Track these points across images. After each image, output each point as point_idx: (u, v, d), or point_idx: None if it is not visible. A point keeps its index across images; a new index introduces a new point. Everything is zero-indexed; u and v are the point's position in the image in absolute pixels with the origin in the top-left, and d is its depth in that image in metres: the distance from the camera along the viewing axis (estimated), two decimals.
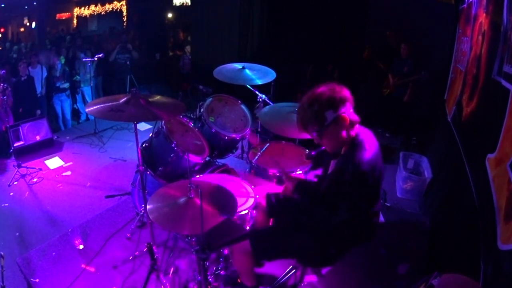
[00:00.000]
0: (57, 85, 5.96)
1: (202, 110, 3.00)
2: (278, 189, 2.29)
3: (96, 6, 9.87)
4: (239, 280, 2.17)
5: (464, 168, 2.56)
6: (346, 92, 1.63)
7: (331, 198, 1.65)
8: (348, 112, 1.62)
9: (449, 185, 3.06)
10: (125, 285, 2.48)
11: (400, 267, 2.60)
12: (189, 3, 8.33)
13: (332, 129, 1.61)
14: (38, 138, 4.67)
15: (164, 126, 2.63)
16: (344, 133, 1.63)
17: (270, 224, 2.27)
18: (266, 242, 1.92)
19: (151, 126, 5.23)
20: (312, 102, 1.61)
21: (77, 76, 6.36)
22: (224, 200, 1.84)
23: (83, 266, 2.66)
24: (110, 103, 2.14)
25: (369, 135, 1.71)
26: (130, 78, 6.37)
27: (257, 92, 3.33)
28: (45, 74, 5.87)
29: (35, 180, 3.99)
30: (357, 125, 1.67)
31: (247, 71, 3.12)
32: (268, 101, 3.32)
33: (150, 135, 2.82)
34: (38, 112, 5.58)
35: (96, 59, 5.96)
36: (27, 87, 5.43)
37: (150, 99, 2.24)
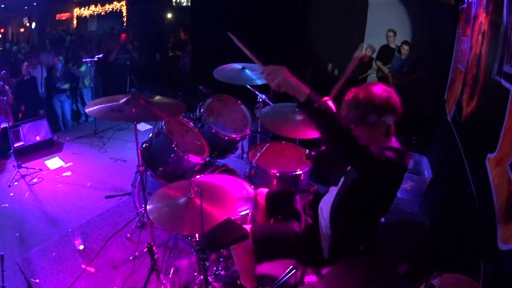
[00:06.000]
0: (57, 85, 5.97)
1: (202, 110, 3.00)
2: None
3: (96, 6, 9.87)
4: (239, 282, 2.17)
5: (464, 168, 2.56)
6: (398, 103, 1.63)
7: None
8: (389, 121, 1.63)
9: (449, 185, 3.06)
10: (125, 286, 2.48)
11: (400, 267, 2.60)
12: (189, 3, 8.33)
13: (367, 129, 1.63)
14: (38, 138, 4.67)
15: (164, 127, 2.63)
16: (379, 136, 1.65)
17: (271, 223, 2.28)
18: (268, 241, 1.92)
19: (151, 126, 5.23)
20: (367, 100, 1.60)
21: (80, 70, 6.33)
22: (224, 201, 1.84)
23: (83, 266, 2.66)
24: (110, 103, 2.14)
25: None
26: (130, 79, 6.37)
27: (257, 92, 3.33)
28: (44, 74, 5.87)
29: (35, 180, 4.00)
30: (393, 138, 1.68)
31: (247, 71, 3.12)
32: (268, 101, 3.32)
33: (150, 136, 2.82)
34: (41, 112, 5.58)
35: (96, 59, 5.97)
36: (30, 87, 5.44)
37: (150, 100, 2.24)
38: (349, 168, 1.78)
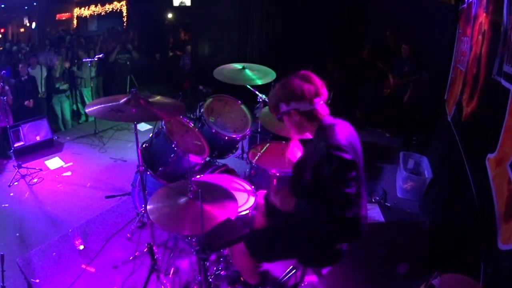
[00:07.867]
0: (57, 86, 5.96)
1: (202, 110, 3.00)
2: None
3: (96, 6, 9.87)
4: (242, 279, 2.17)
5: (464, 168, 2.57)
6: (303, 88, 1.61)
7: (315, 190, 1.62)
8: (303, 108, 1.63)
9: (449, 185, 3.06)
10: (125, 286, 2.48)
11: (400, 267, 2.60)
12: (189, 3, 8.33)
13: (287, 118, 1.71)
14: (38, 138, 4.67)
15: (164, 127, 2.64)
16: (301, 123, 1.68)
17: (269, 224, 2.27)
18: (263, 244, 1.91)
19: (151, 127, 5.23)
20: (275, 92, 1.70)
21: (79, 72, 6.35)
22: (224, 201, 1.84)
23: (83, 266, 2.66)
24: (110, 104, 2.14)
25: (344, 124, 1.68)
26: (130, 79, 6.37)
27: (257, 92, 3.33)
28: (44, 74, 5.86)
29: (35, 180, 3.99)
30: (326, 117, 1.67)
31: (247, 71, 3.13)
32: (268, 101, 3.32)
33: (150, 136, 2.82)
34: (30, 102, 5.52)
35: (96, 59, 5.96)
36: (28, 87, 5.42)
37: (150, 100, 2.24)
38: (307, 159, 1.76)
